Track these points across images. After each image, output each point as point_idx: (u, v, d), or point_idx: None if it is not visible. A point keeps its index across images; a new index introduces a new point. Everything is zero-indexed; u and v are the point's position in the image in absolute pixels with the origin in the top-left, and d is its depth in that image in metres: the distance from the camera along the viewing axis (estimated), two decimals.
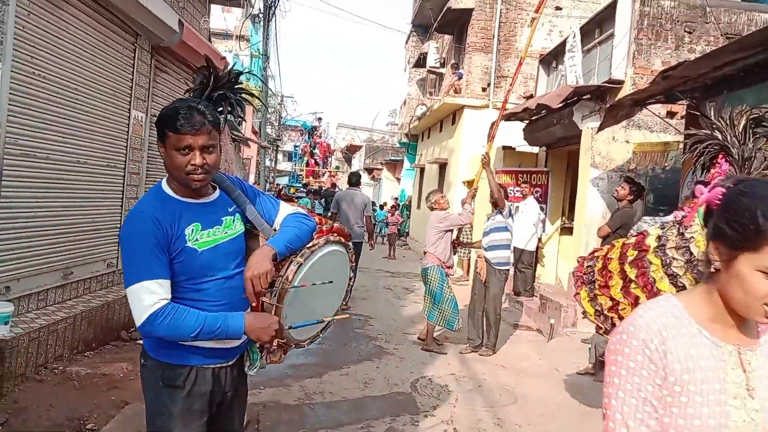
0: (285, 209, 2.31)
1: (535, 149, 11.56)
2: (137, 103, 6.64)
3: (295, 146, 45.84)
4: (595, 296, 3.96)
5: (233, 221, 2.16)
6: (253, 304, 2.07)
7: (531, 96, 12.28)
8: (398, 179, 29.61)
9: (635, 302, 3.63)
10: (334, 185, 33.07)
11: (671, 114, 7.97)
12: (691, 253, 3.40)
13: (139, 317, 1.90)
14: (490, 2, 14.72)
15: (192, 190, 2.06)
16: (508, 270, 7.08)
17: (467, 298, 7.41)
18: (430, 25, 19.15)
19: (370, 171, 34.55)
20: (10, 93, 4.42)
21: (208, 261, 2.04)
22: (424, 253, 7.16)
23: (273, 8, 17.58)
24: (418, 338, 7.24)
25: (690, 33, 8.31)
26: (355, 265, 9.10)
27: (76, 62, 5.38)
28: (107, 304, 5.69)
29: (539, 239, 10.11)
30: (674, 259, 3.45)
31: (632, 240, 3.87)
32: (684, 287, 3.39)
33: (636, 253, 3.70)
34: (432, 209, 7.25)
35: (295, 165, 46.18)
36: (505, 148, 12.06)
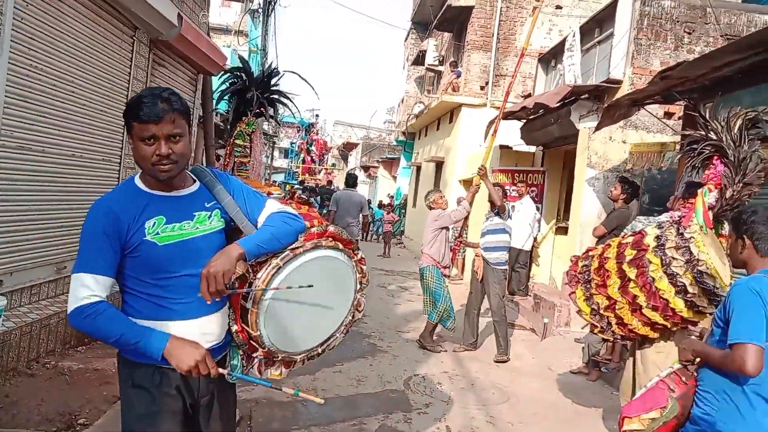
0: (271, 207, 2.17)
1: (532, 148, 11.55)
2: None
3: (292, 143, 45.73)
4: (590, 295, 3.96)
5: (209, 217, 2.05)
6: (208, 302, 1.94)
7: (529, 95, 12.27)
8: (394, 177, 29.62)
9: (633, 301, 3.64)
10: (330, 182, 33.03)
11: (669, 114, 7.97)
12: (691, 253, 3.41)
13: (69, 307, 1.88)
14: (491, 0, 14.71)
15: (162, 182, 1.98)
16: (505, 270, 7.09)
17: (462, 296, 7.41)
18: (429, 23, 19.13)
19: (366, 169, 34.53)
20: (6, 85, 4.39)
21: (169, 256, 1.94)
22: (422, 252, 7.17)
23: (272, 3, 17.52)
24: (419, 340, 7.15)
25: (690, 33, 8.30)
26: None
27: (73, 55, 5.34)
28: None
29: (534, 239, 10.11)
30: (674, 258, 3.47)
31: (629, 239, 3.87)
32: (684, 287, 3.41)
33: (635, 252, 3.71)
34: (430, 208, 7.25)
35: (292, 162, 46.10)
36: (501, 147, 12.04)
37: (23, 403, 3.96)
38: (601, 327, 3.91)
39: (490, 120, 10.19)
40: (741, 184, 3.44)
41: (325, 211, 18.66)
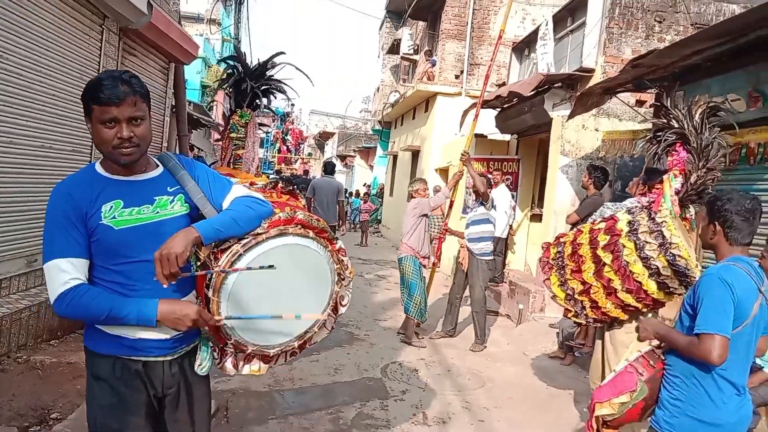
0: (236, 192, 2.11)
1: (507, 137, 11.62)
2: None
3: (267, 132, 45.38)
4: (565, 281, 4.04)
5: (170, 202, 2.00)
6: (164, 286, 1.87)
7: (503, 84, 12.33)
8: (371, 166, 29.56)
9: (608, 284, 3.74)
10: (306, 172, 32.87)
11: (640, 102, 8.08)
12: (664, 237, 3.53)
13: (51, 297, 1.84)
14: None
15: (123, 166, 1.94)
16: (491, 260, 7.04)
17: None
18: (404, 12, 19.07)
19: (343, 158, 34.42)
20: None
21: (126, 240, 1.90)
22: (401, 242, 7.10)
23: None
24: (399, 332, 7.06)
25: (660, 22, 8.41)
26: None
27: (40, 44, 5.23)
28: None
29: (510, 226, 10.19)
30: (647, 242, 3.58)
31: (602, 225, 3.95)
32: (657, 269, 3.51)
33: (608, 237, 3.81)
34: (411, 197, 7.16)
35: (267, 151, 45.75)
36: (476, 135, 12.08)
37: None
38: (576, 311, 3.99)
39: (465, 109, 10.21)
40: (705, 170, 3.58)
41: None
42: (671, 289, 3.57)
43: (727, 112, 3.81)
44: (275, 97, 4.83)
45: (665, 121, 3.76)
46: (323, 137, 42.68)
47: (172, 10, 8.45)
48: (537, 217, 10.09)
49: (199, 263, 2.00)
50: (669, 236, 3.52)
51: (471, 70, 14.66)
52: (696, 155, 3.60)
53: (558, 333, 6.57)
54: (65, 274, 1.83)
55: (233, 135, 4.60)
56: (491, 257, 6.99)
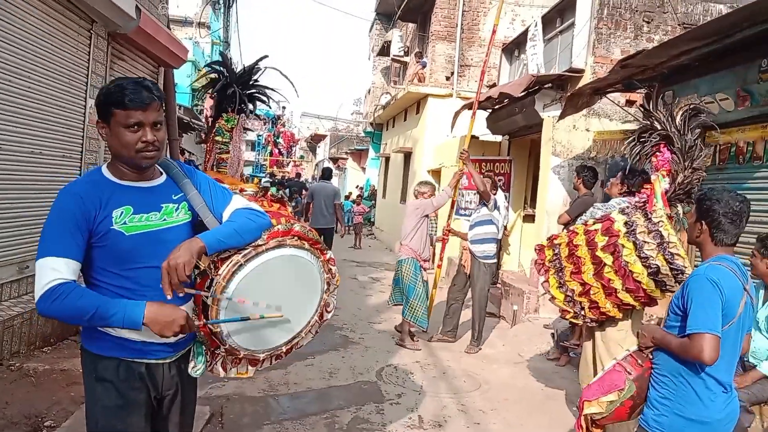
0: (236, 203, 2.17)
1: (498, 138, 11.65)
2: (94, 92, 6.45)
3: (259, 135, 45.30)
4: (564, 283, 4.07)
5: (176, 209, 2.07)
6: (168, 297, 1.90)
7: (494, 85, 12.36)
8: (363, 169, 29.57)
9: (608, 285, 3.78)
10: (298, 175, 32.84)
11: (630, 102, 8.12)
12: (662, 236, 3.60)
13: (36, 294, 1.83)
14: None
15: (133, 173, 2.00)
16: (494, 263, 6.93)
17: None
18: (393, 13, 19.09)
19: (335, 160, 34.41)
20: None
21: (136, 246, 1.95)
22: (400, 244, 6.96)
23: None
24: (434, 339, 6.90)
25: (648, 23, 8.47)
26: (329, 247, 8.85)
27: (28, 50, 5.20)
28: None
29: (504, 227, 10.21)
30: (645, 242, 3.64)
31: (598, 226, 3.99)
32: (657, 268, 3.57)
33: (606, 238, 3.85)
34: (416, 196, 7.00)
35: (259, 155, 45.67)
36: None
37: None
38: (575, 312, 4.02)
39: (457, 110, 10.24)
40: (691, 170, 3.67)
41: (294, 203, 18.68)
42: (668, 287, 3.64)
43: (707, 114, 3.92)
44: (263, 102, 4.86)
45: (649, 123, 3.86)
46: (315, 140, 42.65)
47: (161, 14, 8.43)
48: (530, 218, 10.13)
49: (198, 272, 2.03)
50: (667, 236, 3.60)
51: (461, 71, 14.69)
52: (680, 156, 3.70)
53: (552, 334, 6.59)
54: (55, 272, 1.82)
55: (218, 138, 4.64)
56: (494, 260, 6.86)
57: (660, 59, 5.78)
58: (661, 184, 3.76)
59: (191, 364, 2.13)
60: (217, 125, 4.61)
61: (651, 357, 2.66)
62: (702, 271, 2.47)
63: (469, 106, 10.15)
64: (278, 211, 2.39)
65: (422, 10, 16.23)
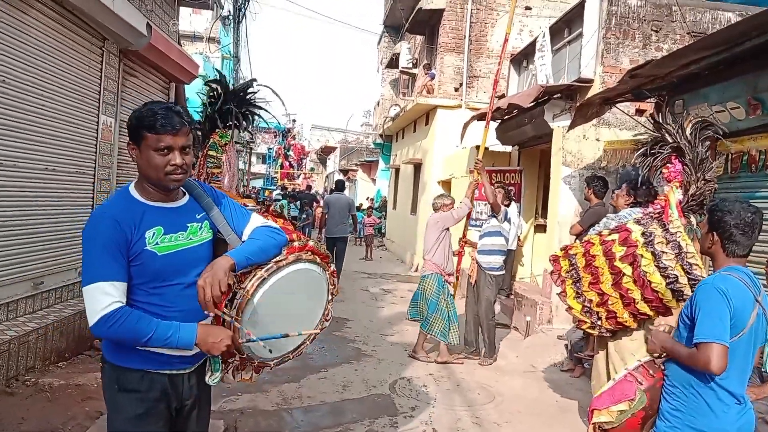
0: (255, 221, 2.27)
1: (508, 148, 11.65)
2: (106, 108, 6.54)
3: (269, 148, 45.53)
4: (581, 293, 4.07)
5: (200, 228, 2.16)
6: (207, 313, 2.03)
7: (503, 96, 12.38)
8: (373, 180, 29.62)
9: (626, 294, 3.78)
10: (309, 187, 32.92)
11: (640, 111, 8.10)
12: (680, 247, 3.61)
13: (92, 318, 1.91)
14: (461, 3, 14.79)
15: (160, 193, 2.08)
16: (502, 275, 6.82)
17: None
18: (401, 26, 19.19)
19: (345, 172, 34.48)
20: None
21: (167, 266, 2.04)
22: (424, 260, 6.84)
23: (243, 10, 17.44)
24: (439, 360, 6.58)
25: (657, 31, 8.45)
26: (342, 256, 8.98)
27: (41, 68, 5.28)
28: (79, 313, 5.59)
29: (518, 237, 10.18)
30: (663, 252, 3.65)
31: (614, 236, 4.00)
32: (676, 278, 3.56)
33: (624, 249, 3.86)
34: (435, 210, 6.92)
35: (270, 167, 45.88)
36: (478, 147, 12.12)
37: (3, 423, 3.90)
38: (592, 322, 4.01)
39: (466, 122, 10.26)
40: (703, 181, 3.69)
41: (304, 215, 18.76)
42: (684, 297, 3.64)
43: (716, 126, 3.94)
44: (260, 117, 5.06)
45: (659, 135, 3.88)
46: (325, 152, 42.80)
47: (172, 31, 8.53)
48: (541, 228, 10.10)
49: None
50: (685, 246, 3.63)
51: (470, 82, 14.72)
52: (692, 167, 3.71)
53: (566, 345, 6.55)
54: (108, 297, 1.91)
55: (211, 153, 4.77)
56: (500, 272, 6.79)
57: (669, 68, 5.77)
58: (675, 194, 3.77)
59: (208, 374, 2.19)
60: (211, 140, 4.74)
61: (662, 368, 2.65)
62: (710, 280, 2.46)
63: (478, 117, 10.18)
64: (284, 227, 2.46)
65: (430, 23, 16.30)
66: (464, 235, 7.04)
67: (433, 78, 15.37)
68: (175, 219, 2.10)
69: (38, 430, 3.89)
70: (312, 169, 49.67)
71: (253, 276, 2.09)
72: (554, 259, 4.39)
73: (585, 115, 7.18)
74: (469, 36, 14.71)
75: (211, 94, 4.86)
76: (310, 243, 2.32)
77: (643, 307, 3.76)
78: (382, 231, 22.32)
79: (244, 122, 4.90)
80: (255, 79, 4.99)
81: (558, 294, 4.39)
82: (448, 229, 6.71)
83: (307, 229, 17.18)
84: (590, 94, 7.86)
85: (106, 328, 1.90)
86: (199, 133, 4.86)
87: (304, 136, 51.99)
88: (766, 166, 5.16)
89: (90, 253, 1.96)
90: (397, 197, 19.61)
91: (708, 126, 3.83)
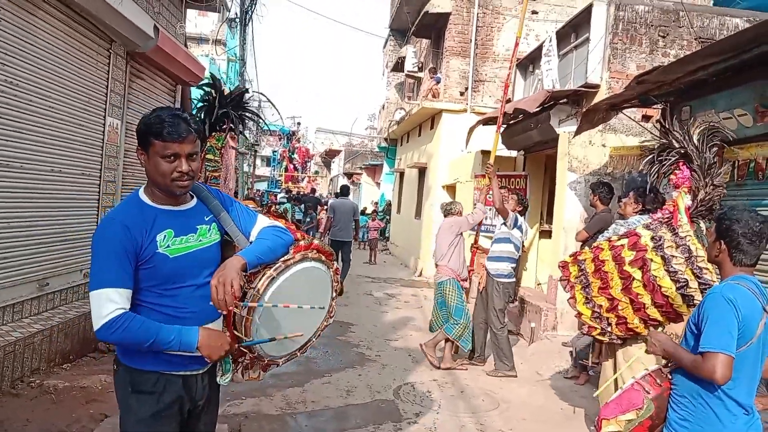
0: (262, 222, 2.32)
1: (513, 153, 11.63)
2: (112, 110, 6.55)
3: (274, 151, 45.55)
4: (590, 298, 4.06)
5: (209, 230, 2.20)
6: (220, 312, 2.07)
7: (509, 100, 12.36)
8: (378, 184, 29.61)
9: (636, 299, 3.76)
10: (313, 190, 32.98)
11: (647, 117, 8.07)
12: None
13: (96, 323, 1.95)
14: (467, 6, 14.80)
15: (169, 197, 2.11)
16: (511, 282, 6.67)
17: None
18: (407, 30, 19.19)
19: (349, 176, 34.51)
20: None
21: (179, 268, 2.07)
22: (436, 266, 6.77)
23: (249, 12, 17.48)
24: (443, 367, 6.44)
25: (664, 37, 8.43)
26: (348, 258, 9.03)
27: (49, 69, 5.30)
28: (84, 315, 5.60)
29: (522, 244, 10.13)
30: (673, 256, 3.64)
31: (624, 242, 3.98)
32: (686, 282, 3.55)
33: (634, 253, 3.85)
34: (445, 216, 6.88)
35: (274, 170, 45.91)
36: (483, 152, 12.11)
37: (8, 424, 3.91)
38: (602, 328, 3.99)
39: (471, 126, 10.25)
40: (711, 186, 3.67)
41: (308, 219, 18.79)
42: (695, 302, 3.62)
43: (725, 132, 3.93)
44: (254, 121, 5.13)
45: (666, 141, 3.87)
46: (329, 155, 42.83)
47: (179, 33, 8.55)
48: (546, 234, 10.06)
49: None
50: (695, 250, 3.62)
51: (475, 86, 14.71)
52: (700, 173, 3.70)
53: (571, 352, 6.52)
54: (112, 303, 1.94)
55: (209, 156, 4.81)
56: (508, 279, 6.60)
57: (677, 75, 5.75)
58: (684, 200, 3.76)
59: (219, 374, 2.24)
60: (208, 144, 4.78)
61: (670, 377, 2.63)
62: (718, 289, 2.45)
63: (484, 122, 10.17)
64: (287, 226, 2.51)
65: (436, 27, 16.31)
66: (476, 241, 6.97)
67: (438, 82, 15.36)
68: (184, 222, 2.13)
69: None
70: (316, 172, 49.71)
71: (263, 275, 2.13)
72: (563, 266, 4.38)
73: (591, 121, 7.16)
74: (475, 40, 14.70)
75: (206, 98, 4.91)
76: (315, 241, 2.38)
77: (654, 313, 3.74)
78: (386, 235, 22.30)
79: (240, 125, 4.95)
80: (248, 90, 5.08)
81: (567, 300, 4.37)
82: (461, 234, 6.67)
83: (311, 233, 17.19)
84: (597, 99, 7.84)
85: (109, 334, 1.94)
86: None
87: (309, 139, 52.04)
88: None
89: (98, 259, 1.99)
90: (401, 201, 19.59)
91: (716, 132, 3.81)
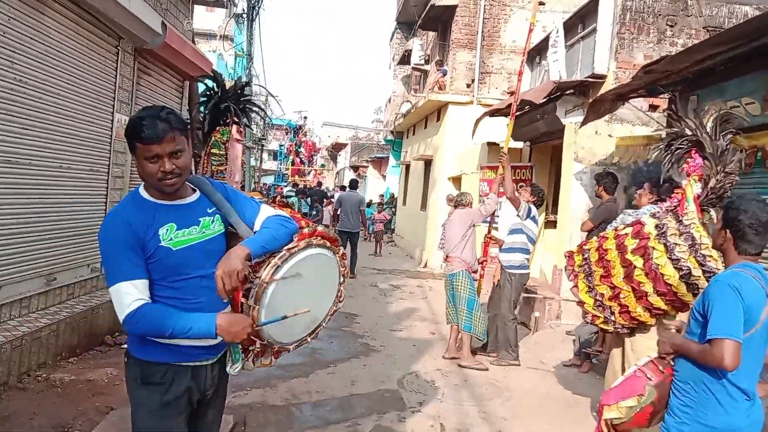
0: (265, 211, 2.33)
1: (519, 144, 11.59)
2: (121, 107, 6.58)
3: (281, 145, 45.67)
4: (593, 287, 4.05)
5: (212, 222, 2.21)
6: (225, 301, 2.10)
7: (514, 92, 12.31)
8: (384, 176, 29.63)
9: (638, 288, 3.76)
10: (320, 183, 33.03)
11: (653, 107, 8.03)
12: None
13: (120, 317, 2.00)
14: None
15: (167, 193, 2.12)
16: (524, 274, 6.58)
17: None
18: (414, 22, 19.14)
19: (355, 168, 34.54)
20: None
21: (183, 260, 2.09)
22: (446, 257, 6.69)
23: (256, 8, 17.49)
24: (447, 356, 6.48)
25: (672, 26, 8.37)
26: (355, 249, 9.11)
27: (57, 66, 5.33)
28: (91, 309, 5.65)
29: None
30: (676, 244, 3.62)
31: (628, 230, 3.97)
32: (689, 270, 3.53)
33: (636, 241, 3.84)
34: (456, 207, 6.81)
35: (281, 164, 46.02)
36: (489, 144, 12.09)
37: (15, 418, 3.96)
38: (605, 317, 3.99)
39: (477, 118, 10.22)
40: (723, 174, 3.62)
41: (314, 212, 18.84)
42: (699, 290, 3.59)
43: (738, 119, 3.87)
44: (270, 112, 5.14)
45: (677, 130, 3.82)
46: (336, 148, 42.89)
47: (186, 30, 8.56)
48: (551, 224, 10.04)
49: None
50: (699, 237, 3.59)
51: (482, 78, 14.65)
52: (712, 161, 3.65)
53: (574, 340, 6.52)
54: (130, 296, 1.98)
55: (214, 150, 4.83)
56: (521, 270, 6.50)
57: (684, 64, 5.71)
58: (692, 188, 3.72)
59: (229, 363, 2.27)
60: (213, 138, 4.80)
61: (672, 364, 2.64)
62: (723, 277, 2.46)
63: (491, 113, 10.13)
64: (292, 214, 2.54)
65: (442, 19, 16.25)
66: (489, 232, 6.85)
67: (445, 74, 15.31)
68: (186, 214, 2.15)
69: (49, 425, 3.93)
70: (323, 166, 49.81)
71: (268, 264, 2.15)
72: (569, 255, 4.38)
73: (598, 112, 7.13)
74: (482, 32, 14.63)
75: (208, 93, 4.92)
76: (319, 228, 2.39)
77: (657, 301, 3.73)
78: (392, 227, 22.32)
79: (245, 119, 4.96)
80: (248, 83, 5.08)
81: (570, 289, 4.37)
82: (474, 226, 6.59)
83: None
84: (603, 90, 7.80)
85: (133, 324, 1.99)
86: (200, 132, 4.91)
87: (315, 132, 52.11)
88: None
89: (107, 257, 2.04)
90: (407, 193, 19.59)
91: (729, 119, 3.73)
